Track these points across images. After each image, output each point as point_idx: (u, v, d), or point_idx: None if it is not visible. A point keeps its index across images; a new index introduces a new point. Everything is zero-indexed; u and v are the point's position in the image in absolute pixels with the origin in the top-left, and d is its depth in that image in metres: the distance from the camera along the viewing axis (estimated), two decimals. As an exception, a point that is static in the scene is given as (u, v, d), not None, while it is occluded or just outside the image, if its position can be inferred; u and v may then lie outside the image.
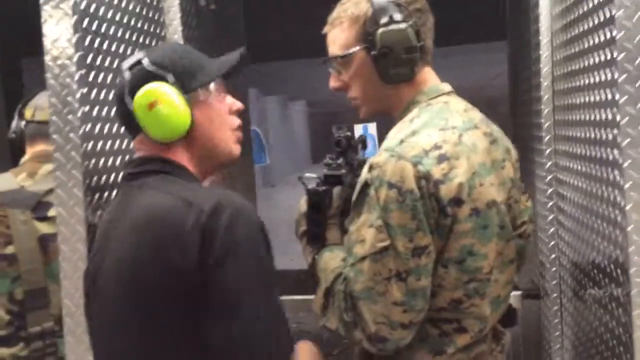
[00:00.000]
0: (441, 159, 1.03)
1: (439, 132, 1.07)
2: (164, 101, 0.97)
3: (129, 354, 0.94)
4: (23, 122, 1.63)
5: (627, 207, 1.05)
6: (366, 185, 1.05)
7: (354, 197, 1.09)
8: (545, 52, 1.57)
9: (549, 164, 1.60)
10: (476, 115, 1.17)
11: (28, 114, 1.64)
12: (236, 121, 1.09)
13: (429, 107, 1.14)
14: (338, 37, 1.18)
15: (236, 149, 1.09)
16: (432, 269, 1.05)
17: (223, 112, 1.06)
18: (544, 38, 1.57)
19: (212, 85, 1.05)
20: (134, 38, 1.48)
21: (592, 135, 1.24)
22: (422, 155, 1.03)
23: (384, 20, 1.11)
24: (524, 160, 1.87)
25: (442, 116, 1.11)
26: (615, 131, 1.09)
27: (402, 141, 1.06)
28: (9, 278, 1.44)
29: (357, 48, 1.15)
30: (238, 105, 1.09)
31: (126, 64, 1.02)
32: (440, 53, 1.33)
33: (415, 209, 1.01)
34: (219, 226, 0.88)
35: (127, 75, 1.00)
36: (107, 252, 0.99)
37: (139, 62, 1.01)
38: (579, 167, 1.37)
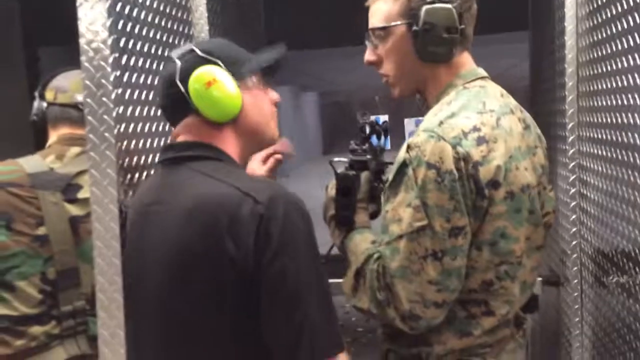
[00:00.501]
0: (480, 141, 1.05)
1: (477, 115, 1.08)
2: (220, 81, 1.02)
3: (173, 341, 0.95)
4: (44, 104, 1.63)
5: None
6: (404, 164, 1.06)
7: (390, 177, 1.11)
8: (570, 38, 1.57)
9: (572, 150, 1.61)
10: (511, 100, 1.18)
11: (49, 96, 1.63)
12: (275, 110, 1.16)
13: (465, 90, 1.15)
14: (381, 9, 1.18)
15: (277, 133, 1.15)
16: (467, 250, 1.06)
17: (266, 101, 1.12)
18: (569, 24, 1.57)
19: (254, 77, 1.10)
20: (162, 23, 1.50)
21: (618, 120, 1.25)
22: (461, 136, 1.04)
23: None
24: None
25: (480, 99, 1.12)
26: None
27: (441, 122, 1.07)
28: (41, 258, 1.47)
29: (399, 22, 1.16)
30: (276, 96, 1.15)
31: (176, 53, 1.06)
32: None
33: (453, 190, 1.02)
34: (276, 218, 0.90)
35: (177, 62, 1.04)
36: (150, 236, 1.00)
37: (190, 51, 1.05)
38: (604, 153, 1.38)
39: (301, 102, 17.38)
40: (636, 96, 1.13)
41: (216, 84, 1.01)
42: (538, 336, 2.13)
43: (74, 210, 1.50)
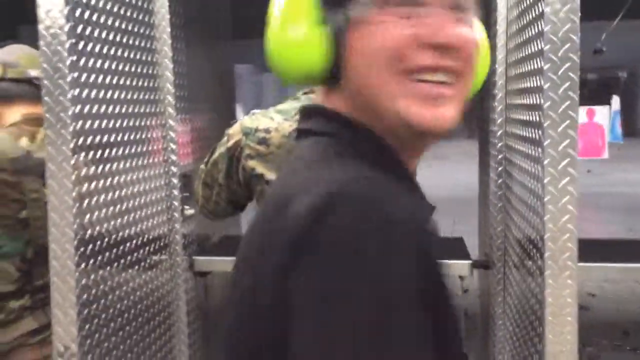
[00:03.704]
0: (262, 141, 1.29)
1: (282, 120, 1.30)
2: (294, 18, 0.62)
3: None
4: None
5: (545, 180, 1.20)
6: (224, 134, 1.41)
7: None
8: (500, 39, 1.70)
9: (500, 144, 1.75)
10: None
11: None
12: (418, 59, 0.58)
13: (301, 96, 1.35)
14: None
15: (413, 111, 0.58)
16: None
17: (386, 42, 0.58)
18: (500, 27, 1.71)
19: None
20: (122, 11, 1.60)
21: (527, 118, 1.39)
22: (254, 129, 1.31)
23: None
24: (481, 141, 2.02)
25: (297, 108, 1.29)
26: (540, 113, 1.23)
27: (253, 114, 1.35)
28: (23, 240, 1.56)
29: None
30: (431, 33, 0.58)
31: None
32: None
33: (223, 157, 1.38)
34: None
35: None
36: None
37: None
38: (521, 148, 1.52)
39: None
40: (538, 96, 1.26)
41: (289, 24, 0.64)
42: (471, 316, 2.28)
43: None
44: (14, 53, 1.65)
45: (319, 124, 0.65)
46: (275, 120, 1.29)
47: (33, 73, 1.63)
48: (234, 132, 1.36)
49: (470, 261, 1.93)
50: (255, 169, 1.27)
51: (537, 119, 1.26)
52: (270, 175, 1.25)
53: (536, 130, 1.27)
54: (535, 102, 1.28)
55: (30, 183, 1.54)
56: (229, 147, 1.35)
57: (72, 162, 1.36)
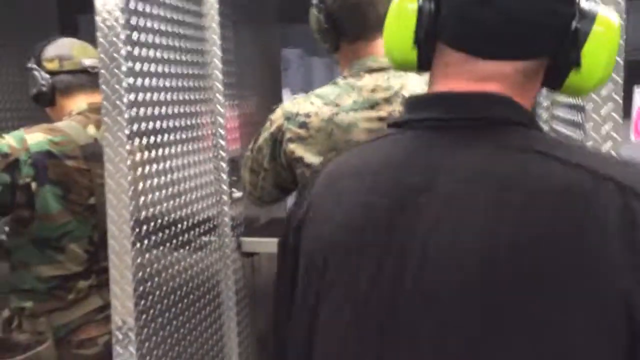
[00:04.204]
0: (302, 125, 1.32)
1: (322, 104, 1.31)
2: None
3: None
4: (47, 75, 1.68)
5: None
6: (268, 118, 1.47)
7: None
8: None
9: (546, 128, 1.73)
10: (384, 95, 1.30)
11: (52, 65, 1.69)
12: None
13: (341, 81, 1.35)
14: None
15: None
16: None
17: None
18: None
19: None
20: (172, 2, 1.67)
21: (571, 101, 1.37)
22: (295, 114, 1.33)
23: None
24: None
25: (336, 93, 1.32)
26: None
27: (294, 99, 1.38)
28: (90, 224, 1.66)
29: None
30: None
31: None
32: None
33: (267, 142, 1.43)
34: None
35: None
36: (428, 243, 0.65)
37: None
38: (566, 131, 1.51)
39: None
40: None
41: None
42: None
43: None
44: (66, 46, 1.73)
45: (522, 115, 0.69)
46: (315, 104, 1.32)
47: (87, 62, 1.72)
48: (276, 117, 1.40)
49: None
50: (295, 152, 1.31)
51: (580, 102, 1.25)
52: (310, 158, 1.28)
53: (579, 114, 1.26)
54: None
55: (97, 169, 1.62)
56: (272, 132, 1.40)
57: (128, 147, 1.45)
